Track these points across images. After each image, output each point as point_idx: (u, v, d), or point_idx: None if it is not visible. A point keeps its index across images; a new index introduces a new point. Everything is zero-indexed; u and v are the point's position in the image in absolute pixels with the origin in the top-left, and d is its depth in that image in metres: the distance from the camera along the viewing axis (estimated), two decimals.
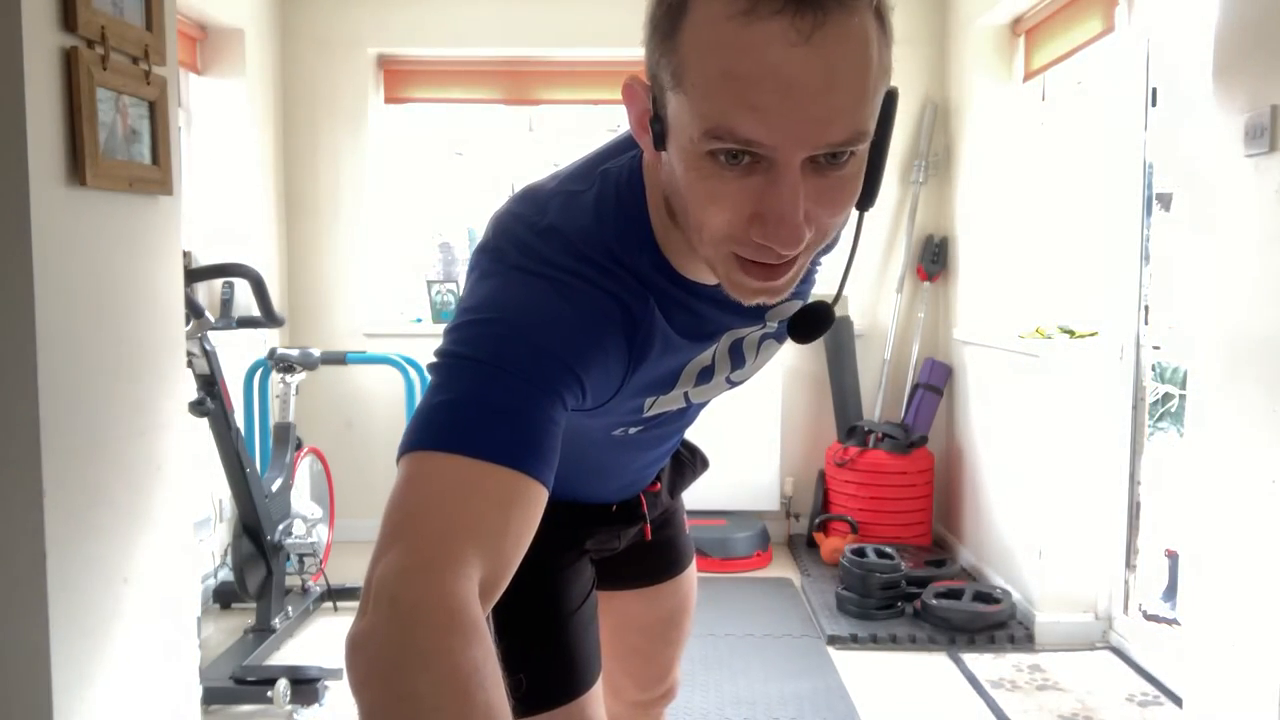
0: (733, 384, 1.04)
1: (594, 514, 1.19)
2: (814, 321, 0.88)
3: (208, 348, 2.65)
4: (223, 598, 3.24)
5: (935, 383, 3.84)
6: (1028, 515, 3.10)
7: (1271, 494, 1.89)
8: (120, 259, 1.79)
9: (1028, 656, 2.90)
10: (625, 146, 0.87)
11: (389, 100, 4.02)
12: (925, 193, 3.93)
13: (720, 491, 3.80)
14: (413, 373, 3.23)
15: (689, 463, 1.37)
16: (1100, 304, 3.06)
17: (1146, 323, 2.85)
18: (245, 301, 3.13)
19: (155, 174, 1.84)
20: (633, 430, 1.01)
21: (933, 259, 3.90)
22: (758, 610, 3.27)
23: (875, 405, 3.96)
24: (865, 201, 0.76)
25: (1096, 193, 3.16)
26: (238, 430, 2.78)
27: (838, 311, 3.50)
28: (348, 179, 3.96)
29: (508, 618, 1.04)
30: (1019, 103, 3.57)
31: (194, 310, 2.55)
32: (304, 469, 3.26)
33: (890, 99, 0.72)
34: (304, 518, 3.07)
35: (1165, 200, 3.01)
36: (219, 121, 3.57)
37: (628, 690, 1.41)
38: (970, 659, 2.87)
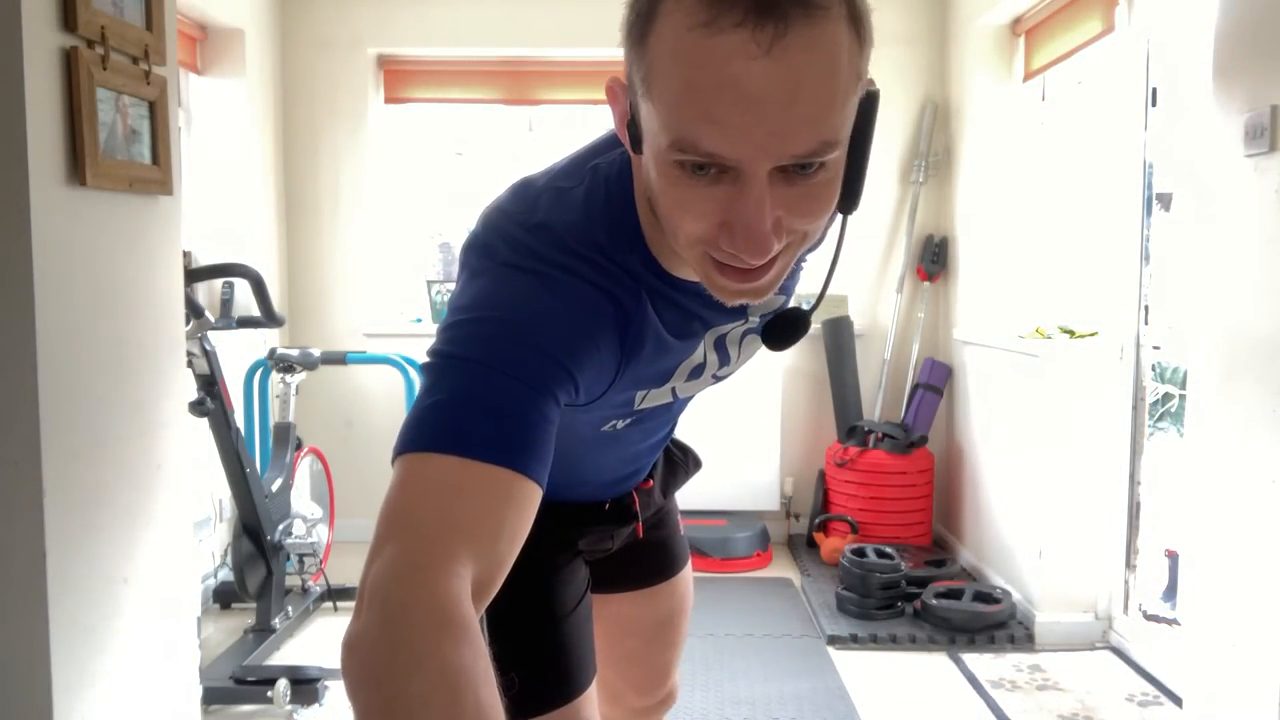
0: (718, 379, 1.04)
1: (586, 513, 1.18)
2: (788, 329, 0.88)
3: (208, 348, 2.65)
4: (223, 598, 3.24)
5: (935, 383, 3.84)
6: (1028, 515, 3.10)
7: (1271, 494, 1.89)
8: (120, 259, 1.79)
9: (1028, 656, 2.90)
10: (615, 142, 0.87)
11: (389, 100, 4.02)
12: (925, 193, 3.93)
13: (720, 491, 3.80)
14: (413, 373, 3.23)
15: (681, 462, 1.36)
16: (1100, 304, 3.06)
17: (1146, 323, 2.85)
18: (245, 301, 3.13)
19: (155, 174, 1.84)
20: (621, 424, 1.01)
21: (933, 259, 3.90)
22: (758, 610, 3.27)
23: (875, 405, 3.96)
24: (847, 205, 0.76)
25: (1096, 193, 3.16)
26: (238, 430, 2.78)
27: (839, 312, 3.47)
28: (348, 179, 3.96)
29: (502, 620, 1.04)
30: (1019, 103, 3.57)
31: (194, 310, 2.55)
32: (304, 469, 3.26)
33: (870, 101, 0.71)
34: (304, 518, 3.07)
35: (1165, 200, 3.01)
36: (219, 121, 3.57)
37: (627, 697, 1.40)
38: (970, 659, 2.87)
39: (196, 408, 2.56)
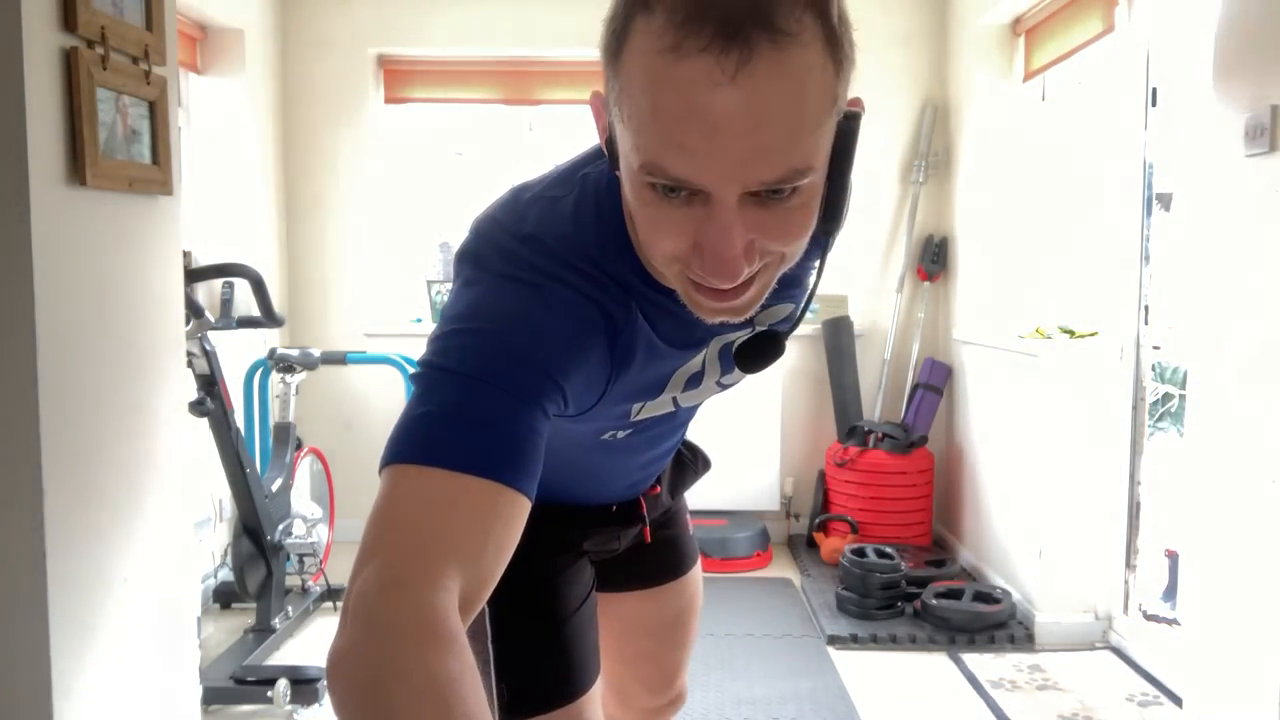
0: (723, 387, 1.03)
1: (592, 515, 1.18)
2: (761, 352, 0.88)
3: (208, 348, 2.65)
4: (223, 598, 3.24)
5: (935, 383, 3.84)
6: (1028, 515, 3.10)
7: (1271, 494, 1.89)
8: (120, 259, 1.79)
9: (1028, 656, 2.90)
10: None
11: (389, 100, 4.02)
12: (925, 193, 3.93)
13: (720, 491, 3.80)
14: (412, 371, 3.23)
15: (690, 463, 1.36)
16: (1100, 304, 3.06)
17: (1146, 323, 2.85)
18: (245, 301, 3.13)
19: (155, 174, 1.84)
20: (621, 434, 1.00)
21: (933, 259, 3.90)
22: (758, 610, 3.27)
23: (875, 405, 3.96)
24: (828, 225, 0.75)
25: (1096, 193, 3.16)
26: (238, 430, 2.78)
27: (839, 312, 3.47)
28: (348, 179, 3.96)
29: (505, 620, 1.04)
30: (1019, 103, 3.57)
31: (194, 310, 2.55)
32: (304, 469, 3.26)
33: (850, 122, 0.70)
34: (304, 518, 3.07)
35: (1165, 200, 3.01)
36: (219, 121, 3.57)
37: (638, 696, 1.40)
38: (970, 659, 2.87)
39: (196, 408, 2.56)
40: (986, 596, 3.08)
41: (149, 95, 1.79)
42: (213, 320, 2.71)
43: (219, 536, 3.33)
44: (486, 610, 1.03)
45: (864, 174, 3.39)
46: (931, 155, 3.90)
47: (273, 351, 3.05)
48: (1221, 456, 2.06)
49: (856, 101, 0.71)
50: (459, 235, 4.54)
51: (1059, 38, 3.20)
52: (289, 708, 2.49)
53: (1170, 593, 2.98)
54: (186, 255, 2.79)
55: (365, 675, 0.59)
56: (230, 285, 3.29)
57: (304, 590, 3.20)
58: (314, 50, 3.91)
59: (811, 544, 3.86)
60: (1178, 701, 2.53)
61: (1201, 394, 2.15)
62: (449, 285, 4.03)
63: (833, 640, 2.99)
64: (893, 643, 2.97)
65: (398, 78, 4.01)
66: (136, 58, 1.76)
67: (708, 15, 0.60)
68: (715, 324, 0.79)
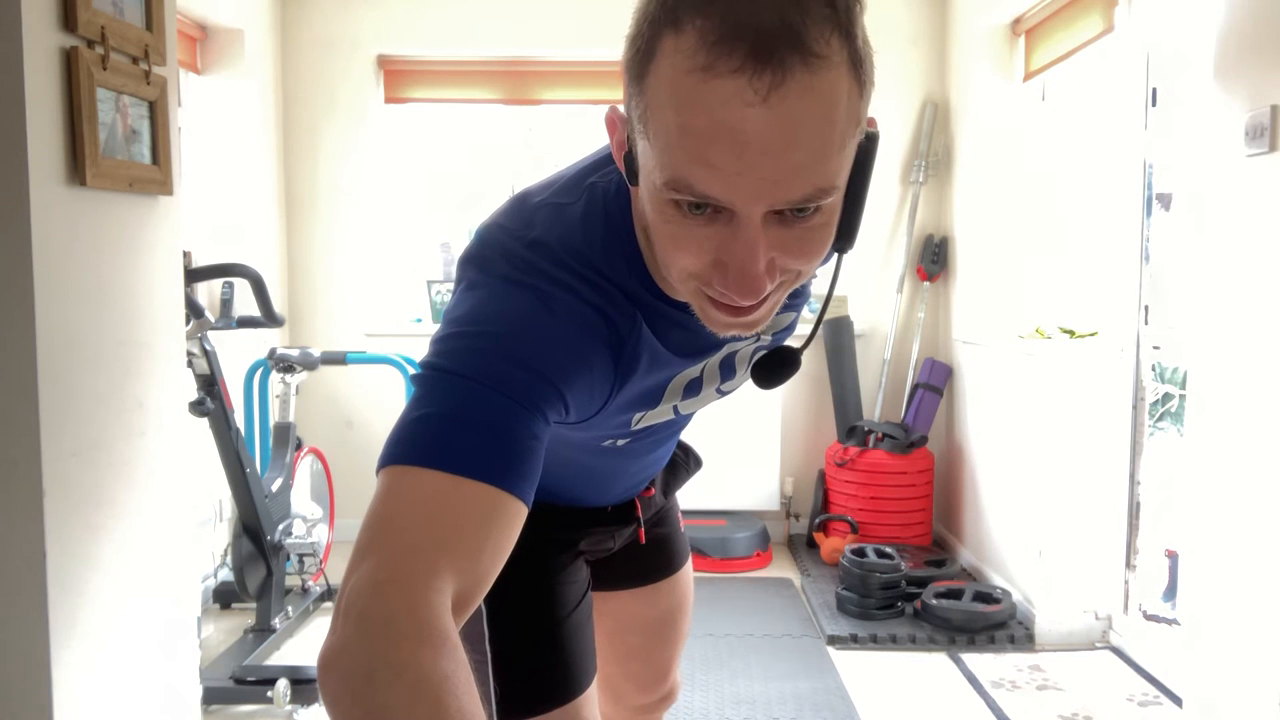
0: (723, 393, 1.03)
1: (588, 515, 1.18)
2: (778, 367, 0.88)
3: (208, 348, 2.65)
4: (223, 598, 3.24)
5: (935, 383, 3.84)
6: (1028, 515, 3.10)
7: (1271, 494, 1.89)
8: (120, 259, 1.79)
9: (1028, 656, 2.90)
10: (612, 159, 0.86)
11: (389, 100, 4.02)
12: (925, 193, 3.94)
13: (720, 491, 3.80)
14: (413, 373, 3.23)
15: (682, 462, 1.37)
16: (1100, 304, 3.06)
17: (1146, 323, 2.85)
18: (245, 301, 3.13)
19: (155, 174, 1.84)
20: (621, 442, 1.01)
21: (933, 259, 3.90)
22: (758, 610, 3.27)
23: (875, 405, 3.96)
24: (843, 244, 0.76)
25: (1096, 193, 3.16)
26: (238, 430, 2.78)
27: (839, 312, 3.47)
28: (348, 179, 3.96)
29: (503, 620, 1.04)
30: (1019, 103, 3.57)
31: (194, 310, 2.55)
32: (304, 469, 3.26)
33: (870, 142, 0.71)
34: (304, 518, 3.07)
35: (1165, 200, 3.01)
36: (219, 121, 3.57)
37: (629, 695, 1.40)
38: (970, 659, 2.87)
39: (196, 408, 2.56)
40: (986, 596, 3.08)
41: (149, 95, 1.79)
42: (213, 320, 2.71)
43: (219, 536, 3.33)
44: (483, 611, 1.03)
45: None
46: (931, 155, 3.90)
47: (273, 351, 3.05)
48: (1221, 456, 2.06)
49: (871, 121, 0.71)
50: (459, 236, 4.54)
51: (1059, 38, 3.20)
52: (289, 708, 2.49)
53: (1170, 593, 2.98)
54: (186, 255, 2.79)
55: (358, 674, 0.59)
56: (230, 285, 3.29)
57: (304, 590, 3.20)
58: (314, 50, 3.91)
59: (811, 544, 3.86)
60: (1178, 701, 2.53)
61: (1201, 394, 2.15)
62: (449, 286, 4.05)
63: (833, 640, 2.99)
64: (893, 643, 2.97)
65: (398, 78, 4.01)
66: (136, 58, 1.76)
67: (741, 36, 0.60)
68: (725, 336, 0.79)
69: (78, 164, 1.62)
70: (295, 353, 3.05)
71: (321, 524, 3.20)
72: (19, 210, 1.51)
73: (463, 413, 0.71)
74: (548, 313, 0.77)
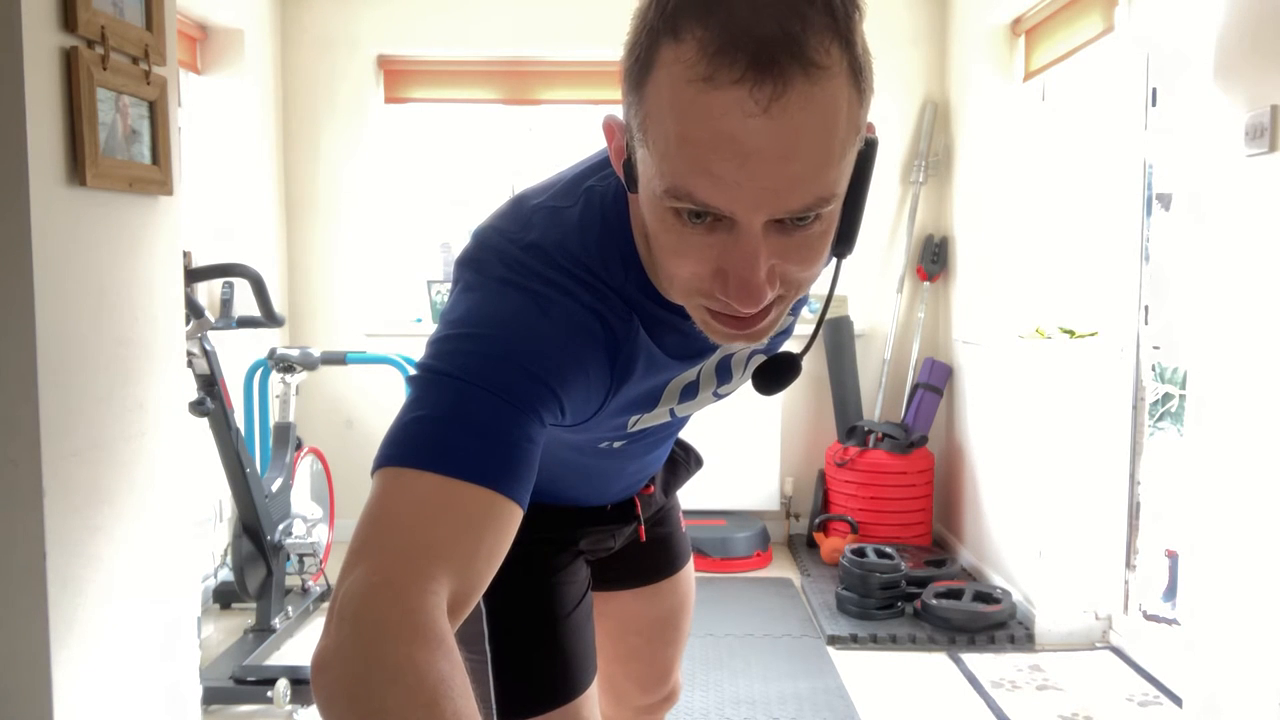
0: (719, 396, 1.03)
1: (588, 514, 1.18)
2: (779, 373, 0.88)
3: (208, 348, 2.65)
4: (223, 598, 3.24)
5: (935, 383, 3.84)
6: (1028, 515, 3.10)
7: (1271, 494, 1.89)
8: (120, 259, 1.79)
9: (1028, 656, 2.90)
10: (609, 162, 0.86)
11: (389, 100, 4.02)
12: (925, 193, 3.94)
13: (720, 491, 3.80)
14: (412, 372, 3.23)
15: (683, 461, 1.36)
16: (1100, 304, 3.06)
17: (1146, 323, 2.85)
18: (245, 301, 3.13)
19: (155, 174, 1.84)
20: (618, 444, 1.01)
21: (933, 259, 3.90)
22: (758, 610, 3.27)
23: (875, 405, 3.96)
24: (842, 249, 0.76)
25: (1096, 193, 3.16)
26: (238, 430, 2.78)
27: (839, 312, 3.47)
28: (348, 179, 3.96)
29: (502, 620, 1.04)
30: (1019, 103, 3.57)
31: (194, 310, 2.55)
32: (304, 469, 3.26)
33: (869, 149, 0.71)
34: (304, 518, 3.07)
35: (1165, 200, 3.01)
36: (219, 121, 3.57)
37: (631, 695, 1.40)
38: (970, 659, 2.87)
39: (196, 408, 2.55)
40: (986, 596, 3.08)
41: (149, 95, 1.79)
42: (213, 320, 2.71)
43: (219, 536, 3.33)
44: (483, 610, 1.03)
45: None
46: (931, 155, 3.90)
47: (273, 351, 3.05)
48: (1221, 456, 2.06)
49: (870, 126, 0.71)
50: (459, 236, 4.53)
51: (1059, 38, 3.20)
52: (289, 708, 2.49)
53: (1170, 593, 2.98)
54: (186, 255, 2.79)
55: (353, 675, 0.58)
56: (230, 285, 3.29)
57: (304, 590, 3.20)
58: (314, 50, 3.91)
59: (811, 544, 3.86)
60: (1178, 701, 2.53)
61: (1201, 394, 2.15)
62: (449, 286, 4.04)
63: (833, 640, 2.99)
64: (893, 643, 2.97)
65: (398, 78, 4.01)
66: (136, 58, 1.76)
67: (741, 46, 0.60)
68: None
69: (78, 164, 1.62)
70: (295, 353, 3.05)
71: (321, 524, 3.20)
72: (19, 210, 1.51)
73: (458, 415, 0.70)
74: (544, 315, 0.77)
